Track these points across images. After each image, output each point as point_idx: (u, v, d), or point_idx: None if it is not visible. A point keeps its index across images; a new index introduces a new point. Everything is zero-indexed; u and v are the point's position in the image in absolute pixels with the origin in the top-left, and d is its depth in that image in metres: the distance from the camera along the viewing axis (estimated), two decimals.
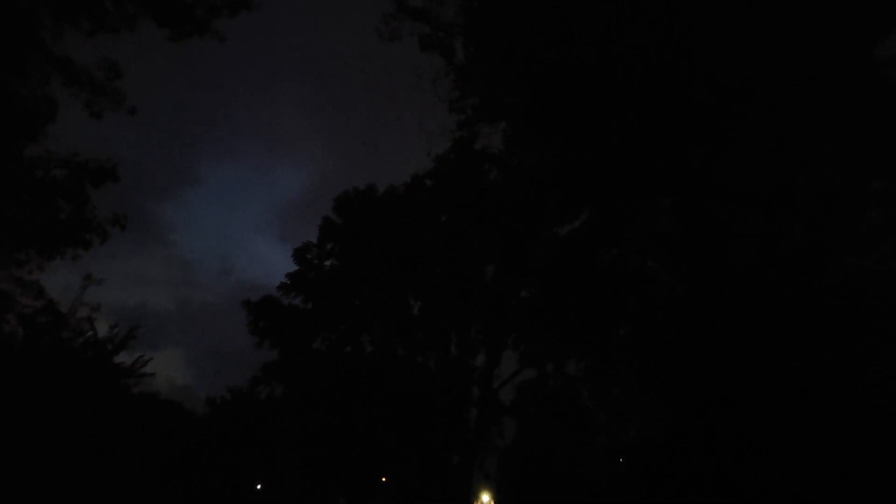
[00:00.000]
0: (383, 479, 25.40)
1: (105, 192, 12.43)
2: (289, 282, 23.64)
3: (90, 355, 16.44)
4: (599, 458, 20.30)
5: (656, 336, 10.02)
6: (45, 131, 11.10)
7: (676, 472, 9.40)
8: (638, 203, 9.94)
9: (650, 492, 10.44)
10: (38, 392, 13.12)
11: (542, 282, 13.46)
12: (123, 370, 17.76)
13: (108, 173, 12.24)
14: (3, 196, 10.94)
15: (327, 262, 23.97)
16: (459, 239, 19.41)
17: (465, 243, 19.29)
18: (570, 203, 12.51)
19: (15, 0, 9.69)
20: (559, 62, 9.57)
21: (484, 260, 19.81)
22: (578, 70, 9.51)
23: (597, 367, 13.87)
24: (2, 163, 10.73)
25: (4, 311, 12.78)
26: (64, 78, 11.03)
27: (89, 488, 15.73)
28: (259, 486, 28.81)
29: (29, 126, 10.76)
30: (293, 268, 23.84)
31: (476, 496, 27.84)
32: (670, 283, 9.96)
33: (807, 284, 8.16)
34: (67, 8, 10.41)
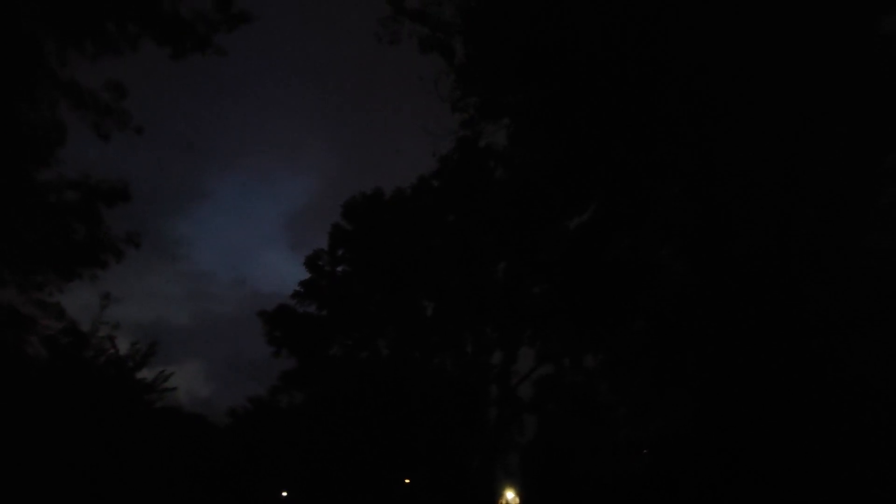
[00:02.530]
0: (406, 482, 25.50)
1: (118, 212, 12.70)
2: (302, 290, 23.88)
3: (113, 373, 16.79)
4: (622, 452, 20.11)
5: (671, 327, 9.91)
6: (55, 155, 11.37)
7: (701, 467, 9.29)
8: (646, 192, 9.85)
9: (675, 487, 10.33)
10: (64, 412, 13.42)
11: (554, 277, 13.40)
12: (146, 386, 18.12)
13: (120, 193, 12.50)
14: (18, 221, 11.23)
15: (339, 269, 24.17)
16: (468, 238, 19.42)
17: (474, 242, 19.29)
18: (578, 196, 12.44)
19: (20, 28, 9.92)
20: (558, 57, 9.54)
21: (494, 258, 19.79)
22: (578, 63, 9.46)
23: (614, 361, 13.76)
24: (16, 188, 11.01)
25: (28, 333, 13.11)
26: (71, 101, 11.28)
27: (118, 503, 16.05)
28: (284, 494, 29.12)
29: (40, 151, 11.03)
30: (305, 276, 24.09)
31: (500, 494, 27.78)
32: (683, 273, 9.85)
33: (823, 268, 8.01)
34: (71, 33, 10.65)
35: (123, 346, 17.53)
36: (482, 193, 18.34)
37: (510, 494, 32.18)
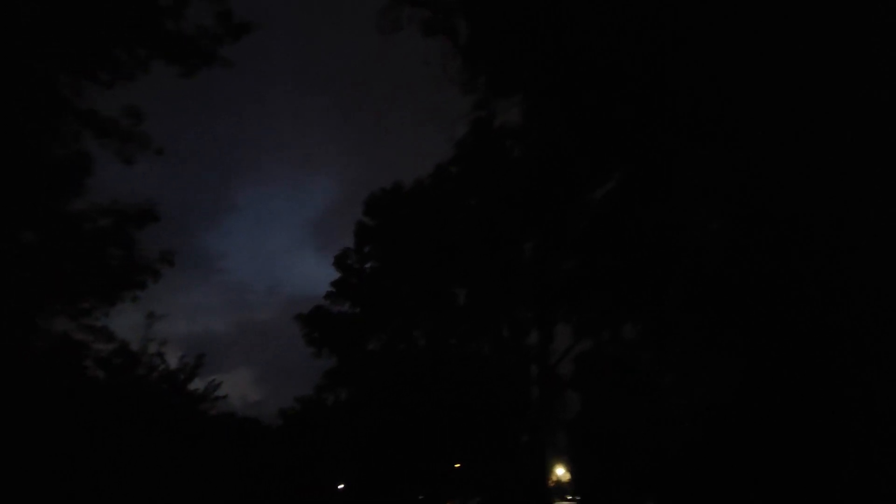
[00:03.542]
0: (456, 466, 25.85)
1: (152, 233, 13.11)
2: (334, 290, 24.26)
3: (167, 387, 17.53)
4: (669, 422, 19.71)
5: (712, 289, 9.50)
6: (85, 185, 11.77)
7: (751, 434, 8.94)
8: (674, 152, 9.38)
9: (725, 455, 10.00)
10: (124, 429, 14.12)
11: (585, 250, 13.08)
12: (198, 397, 18.85)
13: (149, 215, 12.88)
14: (59, 252, 11.73)
15: (367, 265, 24.39)
16: (493, 221, 19.17)
17: (499, 224, 19.04)
18: (601, 165, 12.03)
19: (35, 65, 10.24)
20: (566, 24, 9.13)
21: (520, 237, 19.49)
22: (588, 28, 9.04)
23: (654, 330, 13.39)
24: (53, 221, 11.48)
25: (83, 358, 13.79)
26: (93, 131, 11.62)
27: None
28: (341, 487, 30.02)
29: (70, 182, 11.44)
30: (336, 276, 24.42)
31: (550, 471, 27.84)
32: (721, 232, 9.39)
33: (869, 220, 7.44)
34: (84, 64, 10.92)
35: (173, 361, 18.29)
36: (502, 174, 18.01)
37: (560, 471, 32.18)
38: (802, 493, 8.00)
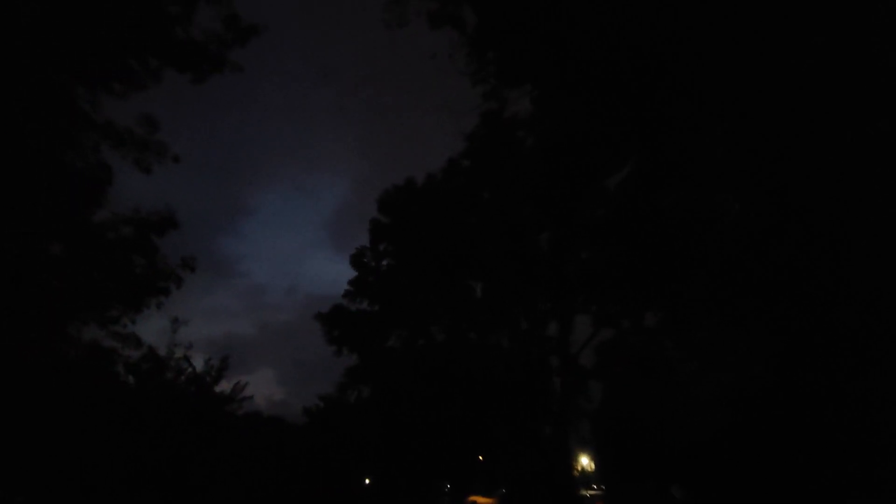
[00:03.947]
0: (480, 459, 25.95)
1: (173, 239, 13.38)
2: (352, 288, 24.44)
3: (193, 390, 17.96)
4: (694, 409, 19.39)
5: (735, 274, 9.28)
6: (106, 195, 12.06)
7: (778, 420, 8.72)
8: (690, 135, 9.15)
9: (752, 442, 9.79)
10: (156, 430, 14.52)
11: (602, 238, 12.90)
12: (225, 398, 19.28)
13: (169, 222, 13.13)
14: (84, 262, 12.05)
15: (383, 263, 24.49)
16: (506, 213, 19.05)
17: (512, 216, 18.90)
18: (615, 151, 11.83)
19: (53, 79, 10.47)
20: (572, 9, 8.95)
21: (535, 228, 19.33)
22: (596, 13, 8.84)
23: (676, 316, 13.16)
24: (78, 232, 11.79)
25: (113, 364, 14.20)
26: (111, 142, 11.88)
27: None
28: (368, 481, 30.45)
29: (92, 194, 11.73)
30: (353, 274, 24.60)
31: (575, 461, 27.75)
32: (744, 216, 9.14)
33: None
34: (99, 76, 11.14)
35: (199, 364, 18.73)
36: (514, 165, 17.86)
37: (585, 460, 32.04)
38: (830, 481, 7.81)
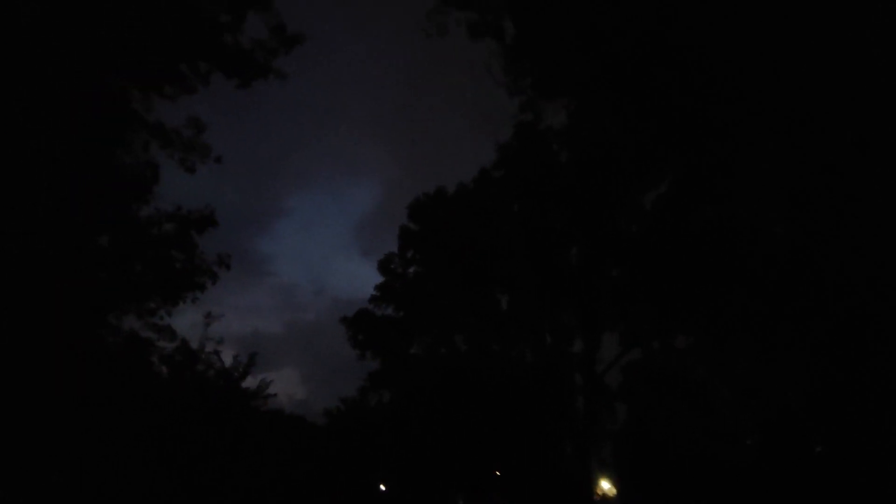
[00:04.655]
0: (497, 474, 25.52)
1: (211, 237, 13.88)
2: (378, 294, 24.67)
3: (222, 384, 18.43)
4: (725, 439, 18.54)
5: (776, 297, 8.88)
6: (152, 192, 12.65)
7: (818, 455, 8.24)
8: (731, 152, 8.88)
9: (788, 477, 9.27)
10: (186, 420, 14.96)
11: (635, 255, 12.62)
12: (251, 394, 19.70)
13: (209, 220, 13.63)
14: (130, 255, 12.64)
15: (411, 270, 24.65)
16: (536, 225, 18.91)
17: (543, 228, 18.74)
18: (652, 167, 11.61)
19: (111, 82, 11.12)
20: (611, 25, 8.89)
21: (566, 242, 19.09)
22: (637, 23, 8.75)
23: (711, 339, 12.70)
24: (125, 226, 12.40)
25: (149, 355, 14.77)
26: (159, 142, 12.48)
27: (235, 499, 17.64)
28: (383, 488, 30.38)
29: (140, 190, 12.33)
30: (380, 279, 24.85)
31: (595, 484, 26.92)
32: (787, 235, 8.76)
33: None
34: (153, 80, 11.77)
35: (227, 359, 19.21)
36: (546, 177, 17.75)
37: (606, 485, 31.04)
38: None
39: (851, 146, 7.60)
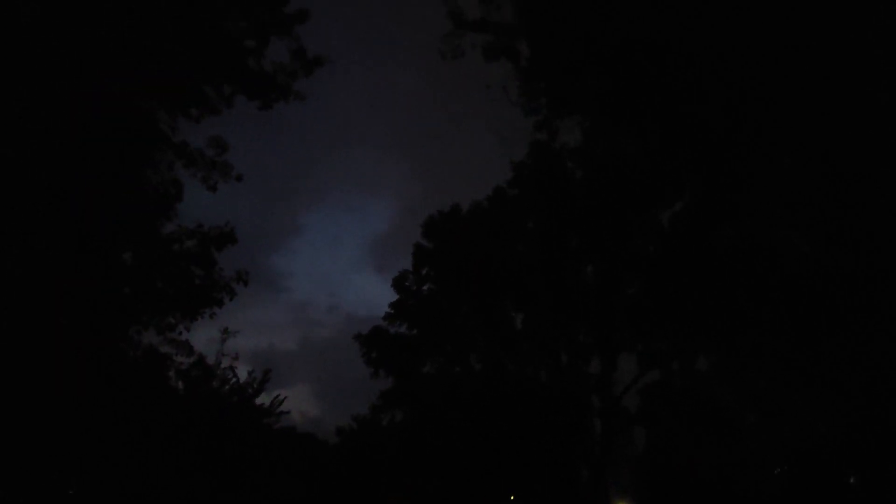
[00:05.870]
0: (512, 499, 24.87)
1: (230, 254, 14.13)
2: (392, 311, 24.64)
3: (236, 400, 18.46)
4: (751, 467, 17.83)
5: (805, 316, 8.65)
6: (175, 209, 13.00)
7: (857, 481, 7.88)
8: (752, 167, 8.79)
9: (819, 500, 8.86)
10: (200, 436, 14.99)
11: (653, 274, 12.46)
12: (264, 411, 19.66)
13: (228, 237, 13.91)
14: (152, 270, 12.93)
15: (425, 288, 24.62)
16: (552, 243, 18.84)
17: (558, 247, 18.67)
18: (669, 184, 11.56)
19: (140, 104, 11.60)
20: (624, 43, 9.01)
21: (581, 260, 18.96)
22: (646, 46, 8.85)
23: (734, 361, 12.36)
24: (148, 242, 12.72)
25: (166, 369, 14.93)
26: (183, 161, 12.89)
27: None
28: None
29: (164, 207, 12.68)
30: (394, 297, 24.86)
31: None
32: (813, 252, 8.57)
33: None
34: (179, 102, 12.24)
35: (242, 375, 19.27)
36: (561, 196, 17.77)
37: None
38: None
39: (873, 159, 7.48)
